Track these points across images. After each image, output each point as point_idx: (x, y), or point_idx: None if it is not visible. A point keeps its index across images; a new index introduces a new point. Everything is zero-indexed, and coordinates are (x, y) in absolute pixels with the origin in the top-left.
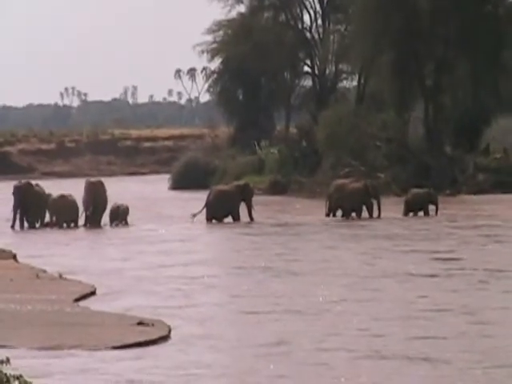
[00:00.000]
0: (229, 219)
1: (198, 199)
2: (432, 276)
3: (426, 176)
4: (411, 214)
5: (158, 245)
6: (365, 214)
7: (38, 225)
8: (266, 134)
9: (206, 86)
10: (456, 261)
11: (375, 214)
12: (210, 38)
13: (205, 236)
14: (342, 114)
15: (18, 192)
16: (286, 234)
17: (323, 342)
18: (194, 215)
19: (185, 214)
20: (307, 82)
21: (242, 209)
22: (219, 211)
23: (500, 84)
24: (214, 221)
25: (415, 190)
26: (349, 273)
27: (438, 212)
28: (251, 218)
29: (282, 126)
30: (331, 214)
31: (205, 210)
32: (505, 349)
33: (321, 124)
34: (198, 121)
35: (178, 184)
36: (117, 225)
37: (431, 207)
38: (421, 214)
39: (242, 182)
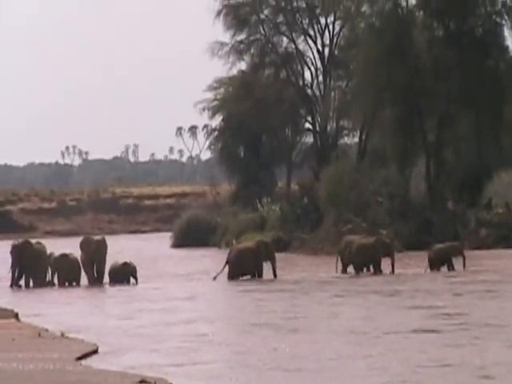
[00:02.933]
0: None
1: (200, 257)
2: (434, 332)
3: (428, 232)
4: (440, 268)
5: (161, 303)
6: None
7: (32, 283)
8: (268, 190)
9: (207, 143)
10: (459, 316)
11: (388, 270)
12: (211, 95)
13: (208, 294)
14: (344, 171)
15: (16, 251)
16: (289, 291)
17: None
18: (216, 275)
19: (187, 271)
20: (308, 139)
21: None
22: (242, 269)
23: (502, 138)
24: (240, 278)
25: (437, 246)
26: (351, 329)
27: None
28: (275, 275)
29: (284, 182)
30: (344, 270)
31: (226, 268)
32: None
33: (322, 180)
34: (200, 178)
35: (180, 242)
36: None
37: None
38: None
39: (263, 240)
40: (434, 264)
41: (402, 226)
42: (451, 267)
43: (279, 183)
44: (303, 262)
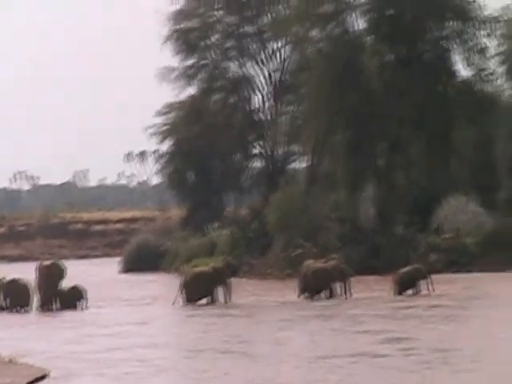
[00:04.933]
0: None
1: (150, 281)
2: (384, 356)
3: (378, 256)
4: (407, 291)
5: (111, 327)
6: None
7: None
8: (218, 215)
9: (157, 168)
10: (408, 340)
11: (343, 294)
12: (160, 120)
13: (158, 319)
14: (294, 195)
15: None
16: (239, 316)
17: None
18: (174, 300)
19: (137, 296)
20: (258, 164)
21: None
22: (197, 293)
23: (451, 163)
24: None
25: (404, 268)
26: (300, 354)
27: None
28: (228, 300)
29: (234, 207)
30: (304, 294)
31: (183, 292)
32: None
33: (272, 205)
34: (150, 203)
35: (130, 266)
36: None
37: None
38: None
39: (219, 264)
40: (400, 287)
41: (353, 251)
42: (417, 290)
43: (229, 208)
44: (252, 287)
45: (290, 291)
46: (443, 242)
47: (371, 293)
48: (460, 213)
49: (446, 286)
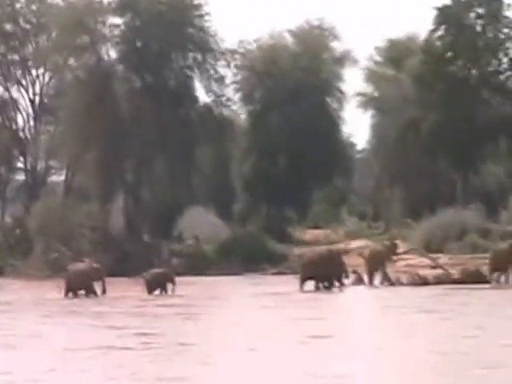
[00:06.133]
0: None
1: None
2: (127, 349)
3: (126, 261)
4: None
5: None
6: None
7: None
8: None
9: None
10: (152, 335)
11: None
12: None
13: None
14: (52, 205)
15: None
16: (1, 311)
17: None
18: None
19: None
20: (22, 176)
21: None
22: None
23: (193, 179)
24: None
25: (153, 270)
26: (58, 346)
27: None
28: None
29: None
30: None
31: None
32: None
33: (33, 214)
34: None
35: None
36: None
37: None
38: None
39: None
40: (149, 288)
41: (104, 256)
42: (164, 291)
43: None
44: (16, 286)
45: (49, 290)
46: (184, 248)
47: (122, 293)
48: (200, 223)
49: (187, 287)
